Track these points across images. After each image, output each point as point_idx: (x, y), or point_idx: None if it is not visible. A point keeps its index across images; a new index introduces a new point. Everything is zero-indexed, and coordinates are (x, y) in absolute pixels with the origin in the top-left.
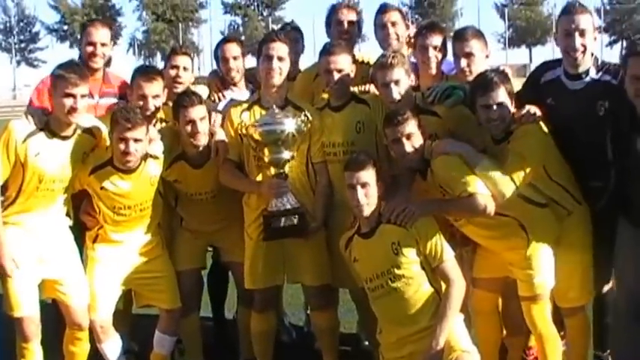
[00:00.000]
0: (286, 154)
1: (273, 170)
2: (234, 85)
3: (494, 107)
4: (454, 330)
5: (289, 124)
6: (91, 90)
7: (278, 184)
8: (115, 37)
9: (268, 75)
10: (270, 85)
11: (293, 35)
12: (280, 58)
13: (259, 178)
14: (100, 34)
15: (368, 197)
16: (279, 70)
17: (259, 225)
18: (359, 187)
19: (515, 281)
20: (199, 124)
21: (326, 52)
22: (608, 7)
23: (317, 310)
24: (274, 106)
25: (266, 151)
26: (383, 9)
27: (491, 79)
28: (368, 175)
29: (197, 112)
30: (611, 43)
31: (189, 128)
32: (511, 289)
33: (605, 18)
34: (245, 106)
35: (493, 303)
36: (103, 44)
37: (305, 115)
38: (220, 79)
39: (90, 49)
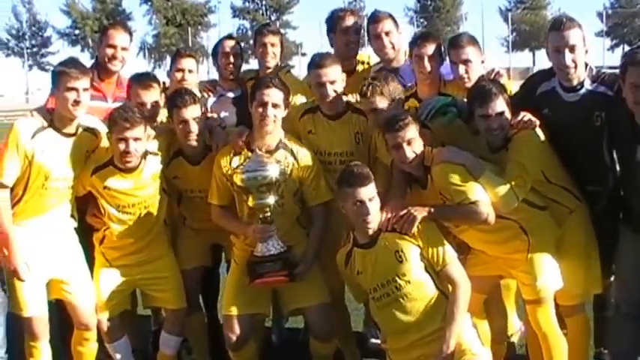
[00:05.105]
0: (271, 199)
1: (259, 214)
2: (230, 81)
3: (494, 117)
4: (464, 333)
5: (273, 170)
6: (104, 93)
7: (263, 229)
8: (130, 43)
9: (262, 122)
10: (264, 131)
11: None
12: (275, 105)
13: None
14: (122, 37)
15: (375, 211)
16: (274, 118)
17: (246, 255)
18: (368, 202)
19: (499, 288)
20: (192, 124)
21: (315, 65)
22: (609, 11)
23: (319, 340)
24: (258, 151)
25: (250, 196)
26: (375, 18)
27: (490, 89)
28: (373, 188)
29: (190, 111)
30: (612, 47)
31: (182, 127)
32: (494, 297)
33: (606, 22)
34: (234, 151)
35: (478, 304)
36: (123, 48)
37: (294, 159)
38: (212, 85)
39: (110, 51)
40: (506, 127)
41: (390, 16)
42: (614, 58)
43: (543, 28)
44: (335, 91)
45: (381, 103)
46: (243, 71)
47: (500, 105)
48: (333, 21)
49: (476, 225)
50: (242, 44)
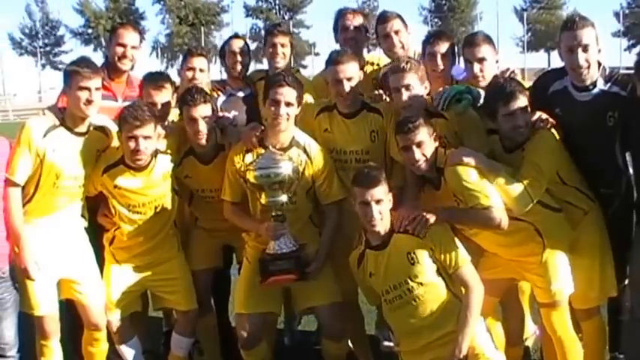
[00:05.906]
0: (283, 197)
1: (272, 212)
2: (239, 80)
3: (519, 114)
4: (477, 336)
5: (286, 168)
6: (115, 93)
7: (275, 227)
8: (140, 42)
9: (275, 120)
10: (277, 129)
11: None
12: (288, 104)
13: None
14: (131, 36)
15: (382, 213)
16: (287, 116)
17: (258, 253)
18: (373, 204)
19: (516, 290)
20: (201, 123)
21: (333, 61)
22: (627, 11)
23: (331, 339)
24: (271, 148)
25: (263, 194)
26: (383, 18)
27: (513, 87)
28: (381, 190)
29: (200, 110)
30: (629, 47)
31: (191, 126)
32: (511, 299)
33: (623, 22)
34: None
35: (491, 307)
36: (133, 47)
37: (307, 157)
38: (221, 85)
39: (120, 50)
40: (529, 124)
41: (399, 16)
42: (632, 59)
43: (559, 28)
44: (351, 87)
45: (412, 80)
46: (253, 71)
47: (524, 101)
48: (336, 19)
49: (487, 229)
50: (255, 44)
